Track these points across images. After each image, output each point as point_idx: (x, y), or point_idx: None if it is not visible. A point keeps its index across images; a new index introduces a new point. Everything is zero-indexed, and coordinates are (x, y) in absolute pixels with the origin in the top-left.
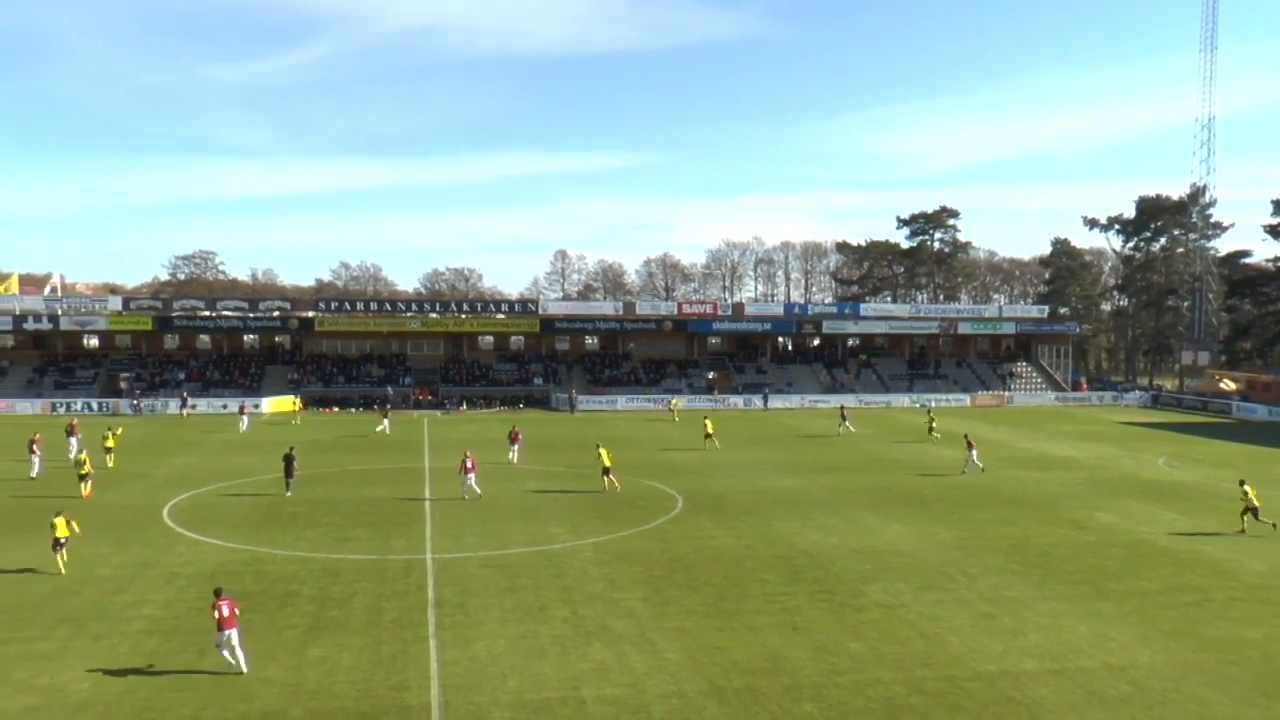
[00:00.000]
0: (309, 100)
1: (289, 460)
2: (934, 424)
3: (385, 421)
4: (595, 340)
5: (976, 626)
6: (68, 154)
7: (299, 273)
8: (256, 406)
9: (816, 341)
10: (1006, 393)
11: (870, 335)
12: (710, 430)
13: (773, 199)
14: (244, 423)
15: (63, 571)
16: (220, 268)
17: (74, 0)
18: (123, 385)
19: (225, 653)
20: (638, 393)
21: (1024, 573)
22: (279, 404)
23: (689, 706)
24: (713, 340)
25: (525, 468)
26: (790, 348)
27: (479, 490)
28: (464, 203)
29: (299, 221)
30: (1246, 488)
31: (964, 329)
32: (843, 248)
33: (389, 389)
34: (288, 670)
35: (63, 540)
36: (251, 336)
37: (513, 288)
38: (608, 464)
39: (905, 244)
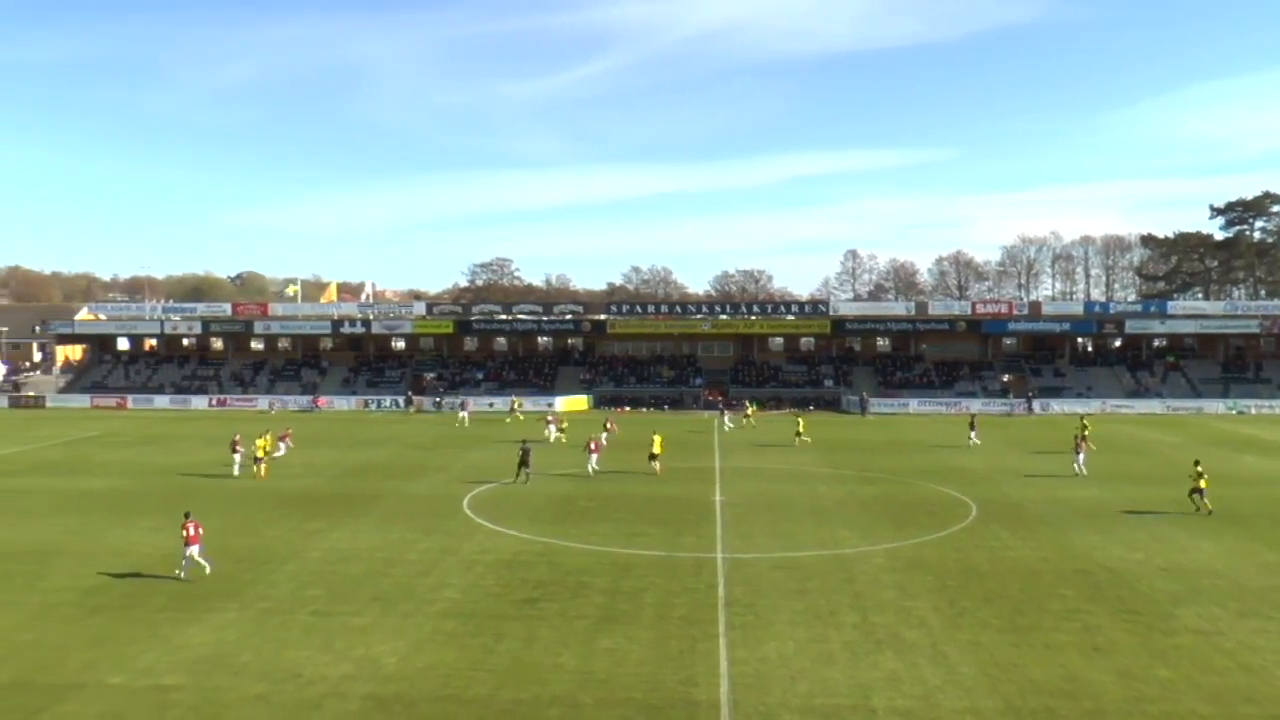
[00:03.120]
0: (601, 111)
1: (524, 452)
2: (1086, 432)
3: (463, 415)
4: (887, 341)
5: None
6: (380, 173)
7: (591, 277)
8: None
9: (1119, 342)
10: None
11: (1178, 335)
12: (800, 429)
13: (1071, 191)
14: (464, 419)
15: (261, 477)
16: (516, 274)
17: (387, 33)
18: (426, 385)
19: (186, 563)
20: (930, 395)
21: None
22: (572, 403)
23: None
24: (1007, 341)
25: (816, 470)
26: (1090, 349)
27: (594, 469)
28: (754, 204)
29: (591, 228)
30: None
31: None
32: (1148, 241)
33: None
34: (579, 658)
35: (260, 457)
36: (546, 339)
37: (802, 289)
38: (657, 450)
39: (1219, 235)
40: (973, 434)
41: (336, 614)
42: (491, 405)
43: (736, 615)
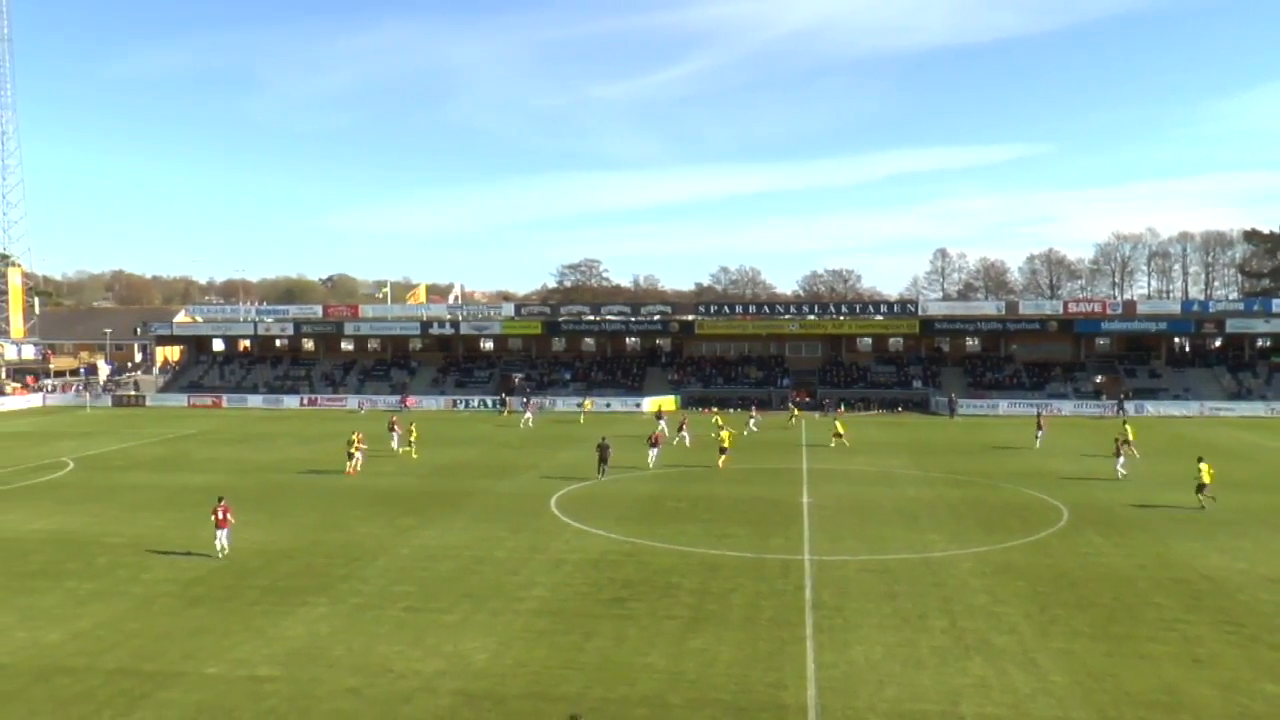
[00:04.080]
0: (692, 111)
1: (603, 449)
2: (1126, 438)
3: (528, 415)
4: (976, 341)
5: None
6: (471, 176)
7: (679, 277)
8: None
9: (1219, 342)
10: None
11: None
12: (840, 430)
13: (1168, 185)
14: (528, 420)
15: (353, 473)
16: (604, 274)
17: (480, 37)
18: (514, 385)
19: (218, 544)
20: (1020, 397)
21: None
22: (660, 404)
23: None
24: (1100, 341)
25: (904, 472)
26: (1188, 349)
27: (652, 463)
28: (843, 204)
29: (681, 228)
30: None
31: None
32: (1251, 236)
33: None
34: (668, 659)
35: (354, 453)
36: (633, 339)
37: (891, 288)
38: (726, 444)
39: None
40: (1040, 432)
41: (427, 610)
42: (579, 405)
43: (824, 618)
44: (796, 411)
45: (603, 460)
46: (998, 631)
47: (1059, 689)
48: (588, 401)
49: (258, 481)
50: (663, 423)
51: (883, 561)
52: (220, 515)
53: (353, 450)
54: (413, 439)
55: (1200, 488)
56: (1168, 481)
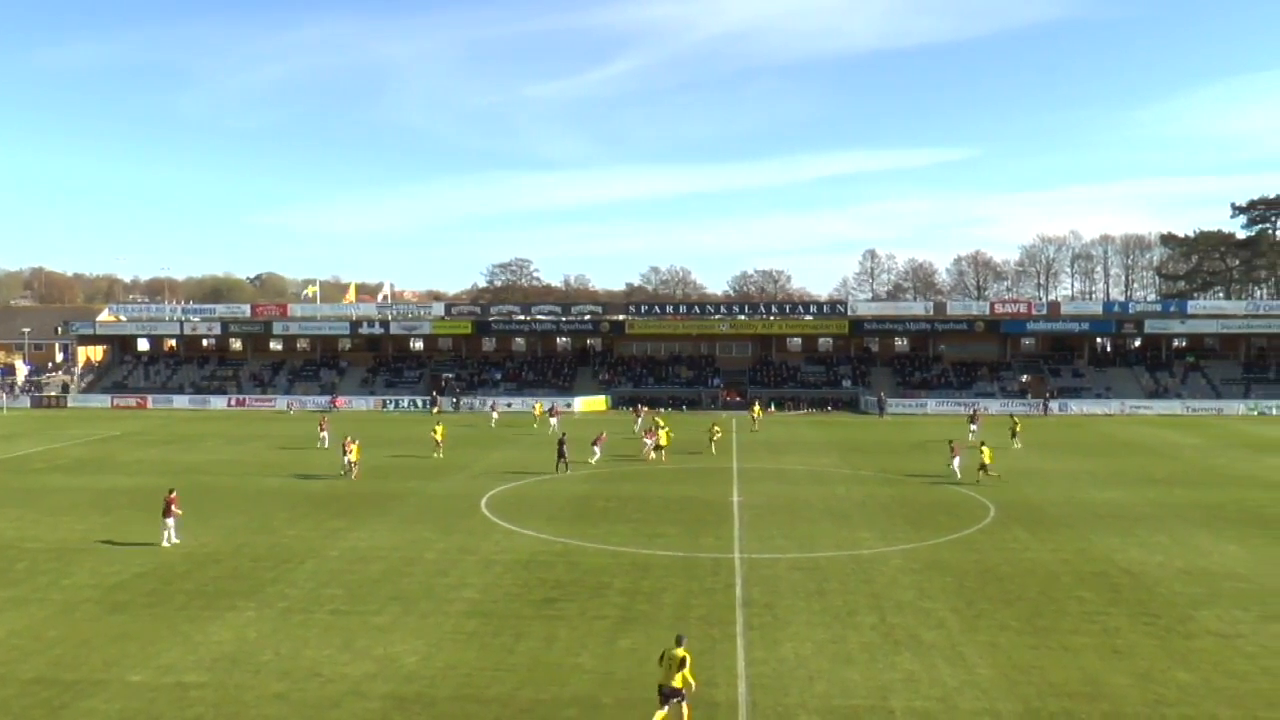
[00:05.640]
0: (624, 112)
1: (561, 445)
2: (1018, 429)
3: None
4: (905, 342)
5: None
6: (401, 175)
7: (611, 278)
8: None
9: (1138, 343)
10: None
11: (1199, 335)
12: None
13: (1092, 190)
14: (494, 419)
15: (352, 477)
16: (535, 274)
17: (412, 35)
18: (443, 385)
19: (165, 531)
20: (948, 396)
21: None
22: (590, 404)
23: None
24: (1026, 341)
25: (834, 471)
26: (1109, 349)
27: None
28: (773, 205)
29: (612, 229)
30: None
31: None
32: (1168, 240)
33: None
34: (599, 659)
35: (355, 461)
36: (564, 339)
37: (821, 289)
38: (663, 443)
39: (1241, 233)
40: (973, 426)
41: (356, 613)
42: (510, 405)
43: (755, 616)
44: (759, 413)
45: (561, 457)
46: (926, 627)
47: (985, 681)
48: (539, 405)
49: (184, 483)
50: (638, 425)
51: (813, 559)
52: (167, 506)
53: (348, 458)
54: (353, 459)
55: (982, 467)
56: (1091, 479)
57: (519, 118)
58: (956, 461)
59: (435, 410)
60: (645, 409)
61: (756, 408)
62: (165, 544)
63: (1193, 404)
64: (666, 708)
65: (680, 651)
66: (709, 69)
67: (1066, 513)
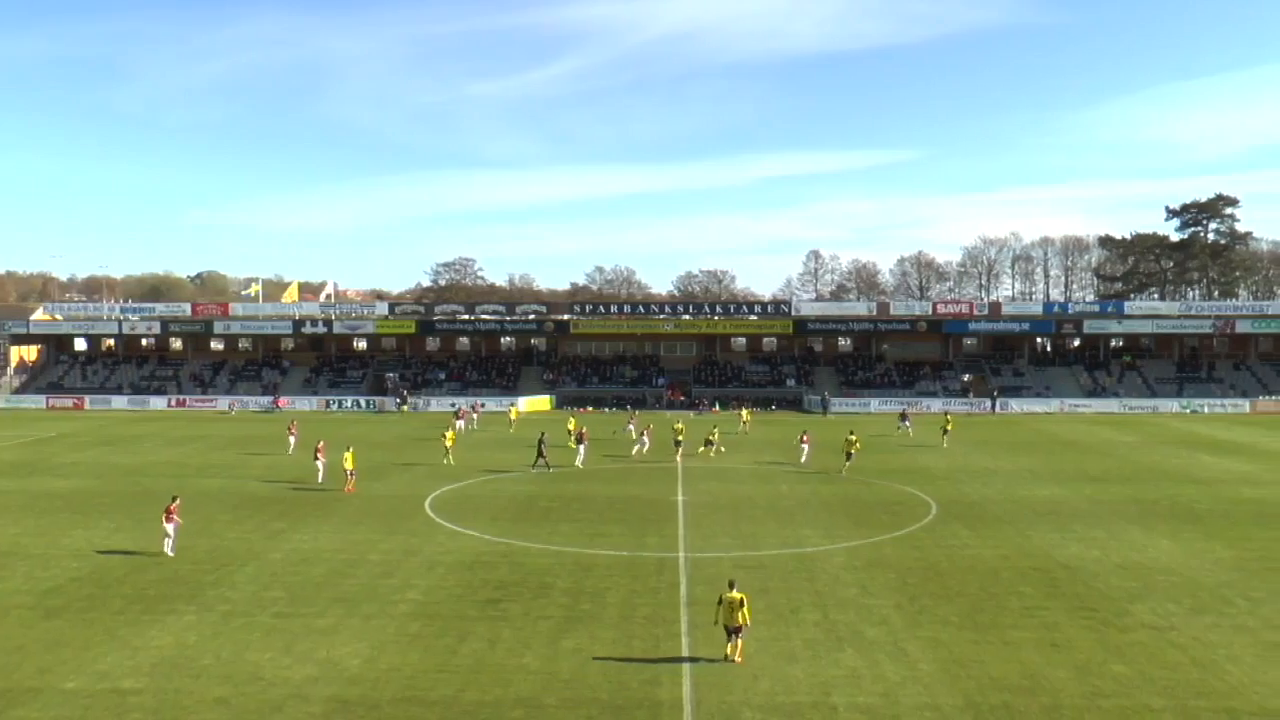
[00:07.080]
0: (567, 112)
1: (540, 443)
2: (949, 428)
3: (474, 417)
4: (848, 341)
5: (1262, 656)
6: (345, 172)
7: (555, 277)
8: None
9: (1077, 342)
10: None
11: (1135, 335)
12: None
13: (1032, 192)
14: (474, 420)
15: (349, 490)
16: (479, 274)
17: (357, 32)
18: (388, 385)
19: (166, 540)
20: (891, 395)
21: None
22: (535, 404)
23: None
24: (968, 341)
25: (778, 470)
26: (1049, 349)
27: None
28: (718, 206)
29: (556, 228)
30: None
31: (1242, 328)
32: (1106, 242)
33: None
34: (542, 659)
35: (352, 470)
36: (509, 339)
37: (765, 289)
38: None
39: (1175, 236)
40: (904, 423)
41: (298, 616)
42: (453, 405)
43: (699, 614)
44: (748, 416)
45: (540, 455)
46: (869, 623)
47: (927, 676)
48: (514, 409)
49: (123, 486)
50: (631, 426)
51: (756, 557)
52: (168, 514)
53: (346, 467)
54: (349, 468)
55: (848, 455)
56: (1031, 476)
57: (464, 116)
58: (806, 451)
59: (401, 409)
60: (637, 412)
61: (745, 411)
62: (169, 552)
63: (1129, 402)
64: (730, 642)
65: (736, 594)
66: (654, 69)
67: (1006, 510)
